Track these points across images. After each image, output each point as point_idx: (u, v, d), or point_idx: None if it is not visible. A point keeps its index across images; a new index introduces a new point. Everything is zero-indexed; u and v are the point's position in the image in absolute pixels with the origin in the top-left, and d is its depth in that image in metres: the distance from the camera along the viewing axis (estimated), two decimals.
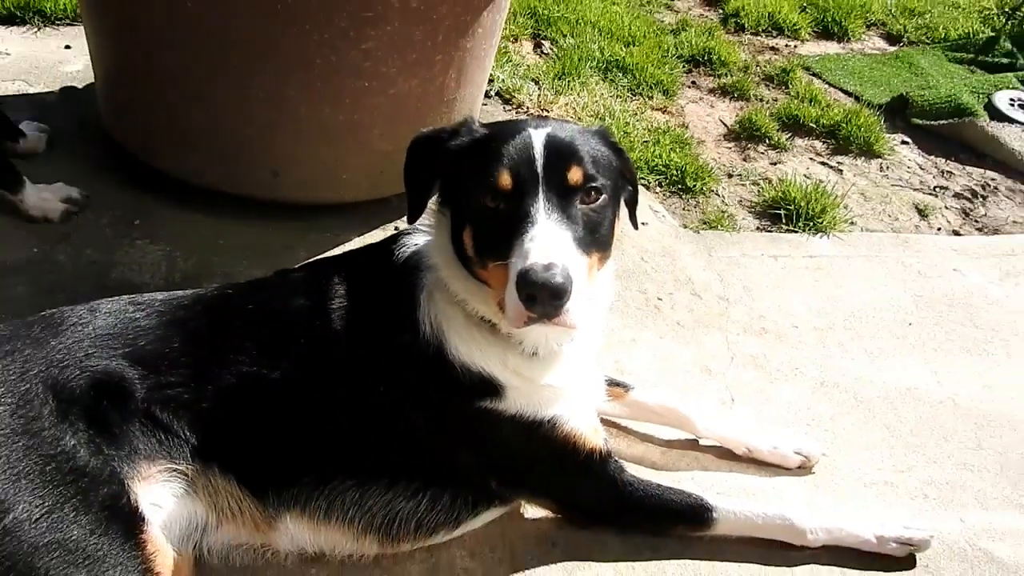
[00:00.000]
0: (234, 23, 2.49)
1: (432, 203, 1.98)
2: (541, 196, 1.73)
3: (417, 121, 2.92)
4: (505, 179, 1.75)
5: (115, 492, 1.75)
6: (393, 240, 2.11)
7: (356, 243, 3.07)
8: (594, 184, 1.79)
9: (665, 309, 3.08)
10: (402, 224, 3.20)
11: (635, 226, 2.16)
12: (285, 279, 2.13)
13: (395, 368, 1.95)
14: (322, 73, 2.60)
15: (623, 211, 2.03)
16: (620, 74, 4.54)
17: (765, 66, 5.07)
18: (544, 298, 1.62)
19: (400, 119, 2.86)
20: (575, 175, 1.77)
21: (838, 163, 4.24)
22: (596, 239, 1.81)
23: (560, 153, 1.78)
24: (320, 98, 2.67)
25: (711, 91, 4.74)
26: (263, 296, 2.06)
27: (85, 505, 1.71)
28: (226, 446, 1.91)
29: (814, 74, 5.12)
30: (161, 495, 1.85)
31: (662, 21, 5.46)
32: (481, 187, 1.77)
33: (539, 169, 1.75)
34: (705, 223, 3.61)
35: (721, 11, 5.76)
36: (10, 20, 4.03)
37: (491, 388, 1.93)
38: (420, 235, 2.07)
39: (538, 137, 1.79)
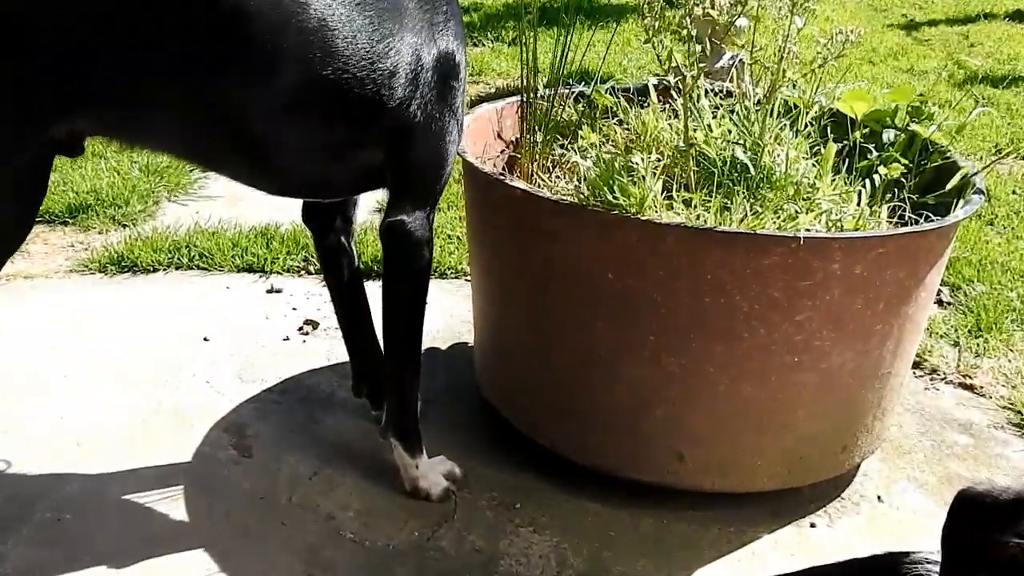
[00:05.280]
0: (657, 296, 2.30)
1: None
2: None
3: (845, 398, 2.49)
4: None
5: None
6: (904, 561, 1.67)
7: (766, 541, 2.56)
8: None
9: None
10: (818, 520, 2.68)
11: None
12: None
13: None
14: (748, 348, 2.30)
15: None
16: None
17: None
18: None
19: (828, 397, 2.45)
20: None
21: None
22: None
23: None
24: (742, 375, 2.34)
25: None
26: None
27: None
28: None
29: None
30: None
31: None
32: None
33: None
34: None
35: None
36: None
37: None
38: (935, 564, 1.60)
39: None
